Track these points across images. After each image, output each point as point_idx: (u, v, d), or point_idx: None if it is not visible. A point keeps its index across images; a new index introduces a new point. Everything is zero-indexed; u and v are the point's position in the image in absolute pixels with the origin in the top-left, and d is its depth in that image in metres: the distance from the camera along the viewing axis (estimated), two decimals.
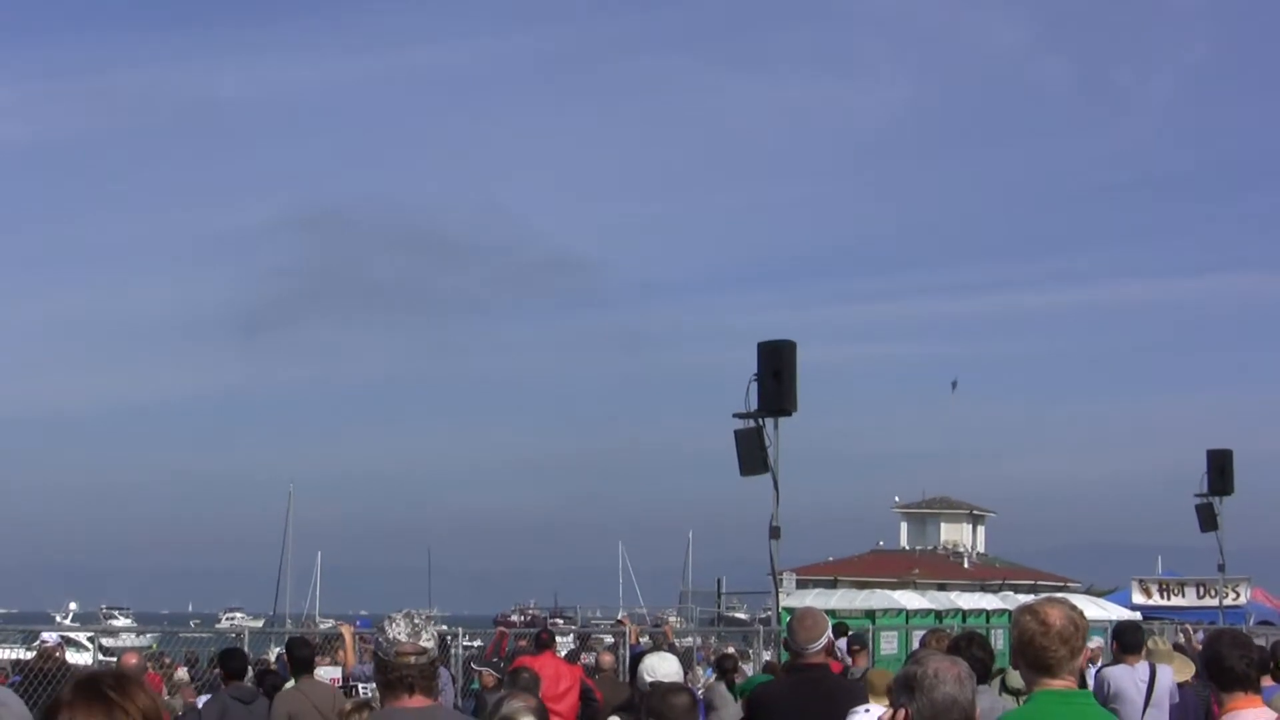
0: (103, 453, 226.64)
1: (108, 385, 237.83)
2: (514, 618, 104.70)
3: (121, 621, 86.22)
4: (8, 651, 24.39)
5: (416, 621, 6.07)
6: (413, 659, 6.03)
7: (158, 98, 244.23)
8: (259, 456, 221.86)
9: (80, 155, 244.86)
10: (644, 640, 23.26)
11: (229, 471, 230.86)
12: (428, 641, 6.05)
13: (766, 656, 24.39)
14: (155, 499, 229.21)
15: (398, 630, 6.05)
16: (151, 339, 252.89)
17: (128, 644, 41.44)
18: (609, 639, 32.01)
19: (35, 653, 18.05)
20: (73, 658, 23.47)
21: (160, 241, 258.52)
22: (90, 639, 33.03)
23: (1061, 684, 5.81)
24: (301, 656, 14.01)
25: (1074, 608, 5.88)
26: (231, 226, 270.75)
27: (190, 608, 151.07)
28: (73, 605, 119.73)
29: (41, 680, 15.84)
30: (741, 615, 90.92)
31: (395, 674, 6.03)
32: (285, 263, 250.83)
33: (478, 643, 29.12)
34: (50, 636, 20.87)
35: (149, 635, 44.29)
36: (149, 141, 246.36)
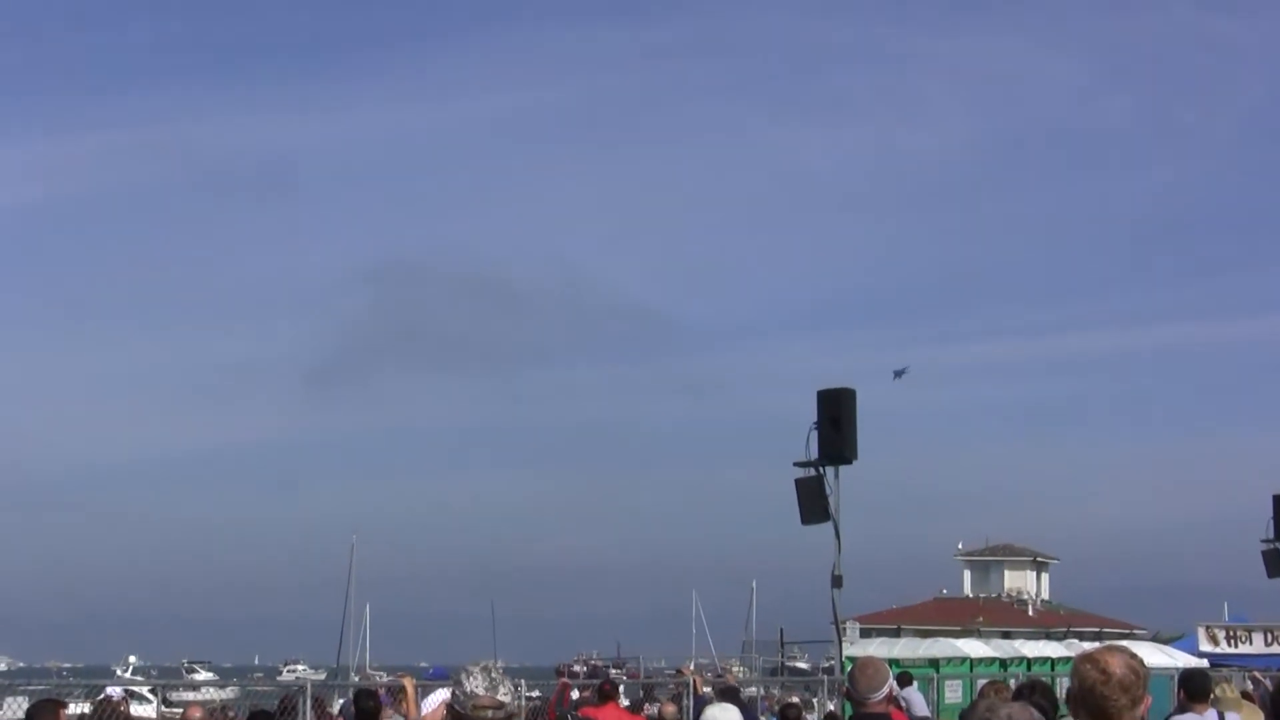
0: (167, 502, 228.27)
1: (174, 436, 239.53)
2: (576, 668, 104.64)
3: (203, 676, 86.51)
4: (73, 706, 24.59)
5: (494, 674, 5.97)
6: (490, 713, 5.93)
7: (229, 148, 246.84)
8: (324, 506, 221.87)
9: (154, 207, 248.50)
10: (707, 690, 23.31)
11: (295, 521, 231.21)
12: (505, 695, 5.91)
13: (830, 707, 24.36)
14: (219, 548, 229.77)
15: (475, 683, 5.93)
16: (219, 389, 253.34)
17: (192, 698, 41.71)
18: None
19: (93, 706, 18.21)
20: (136, 710, 23.70)
21: (230, 292, 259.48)
22: (152, 690, 33.26)
23: None
24: (367, 709, 14.12)
25: (1134, 655, 5.85)
26: (300, 277, 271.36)
27: (257, 660, 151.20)
28: (132, 659, 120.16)
29: None
30: (803, 665, 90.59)
31: None
32: (352, 313, 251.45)
33: (536, 693, 29.18)
34: (114, 690, 21.09)
35: (230, 690, 44.48)
36: (221, 192, 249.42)
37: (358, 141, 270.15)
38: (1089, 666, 5.78)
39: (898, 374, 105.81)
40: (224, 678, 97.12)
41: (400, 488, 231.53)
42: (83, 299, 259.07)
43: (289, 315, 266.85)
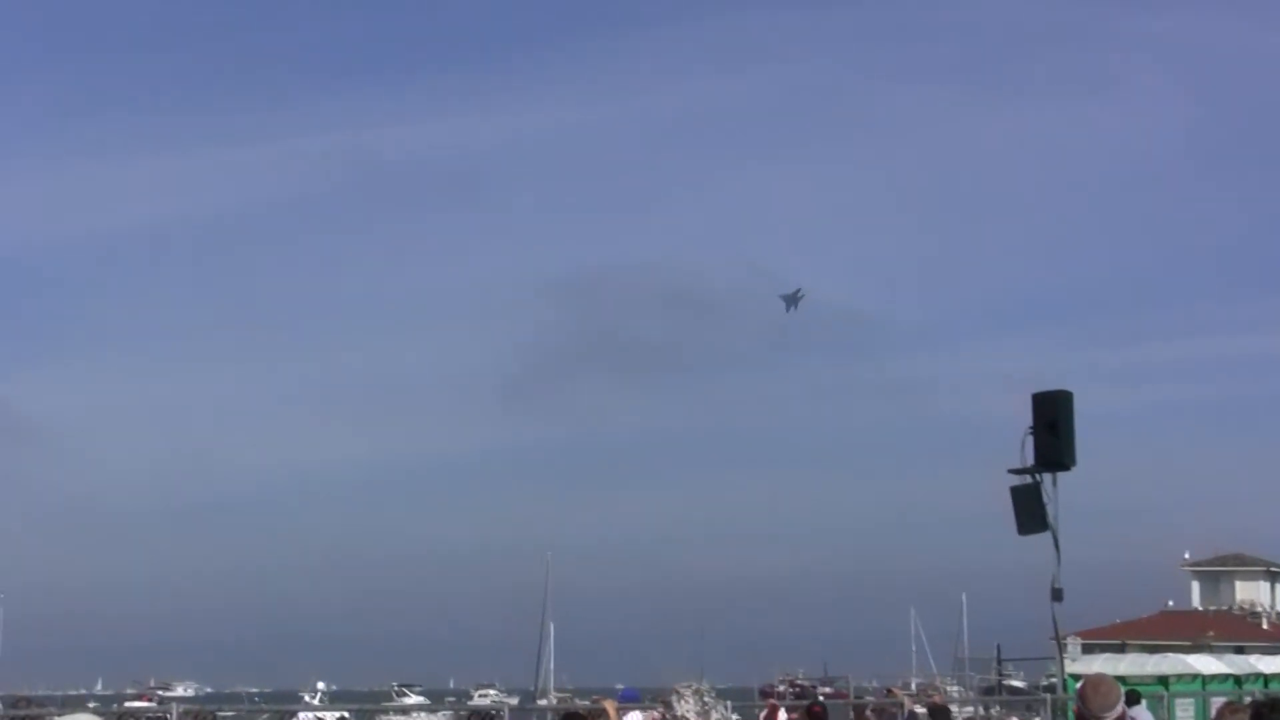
0: (354, 518, 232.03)
1: (362, 450, 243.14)
2: (780, 688, 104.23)
3: (413, 699, 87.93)
4: None
5: (706, 698, 6.03)
6: None
7: (410, 154, 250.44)
8: (515, 522, 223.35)
9: (335, 216, 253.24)
10: (919, 710, 23.12)
11: (485, 537, 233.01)
12: (718, 718, 5.96)
13: None
14: (404, 566, 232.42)
15: (686, 706, 6.02)
16: (407, 402, 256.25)
17: None
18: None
19: None
20: None
21: (418, 305, 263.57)
22: None
23: None
24: None
25: None
26: (487, 286, 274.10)
27: (452, 684, 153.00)
28: (320, 684, 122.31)
29: None
30: (1019, 683, 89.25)
31: None
32: (542, 322, 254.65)
33: (735, 717, 29.13)
34: (305, 717, 21.54)
35: (442, 714, 44.86)
36: (404, 200, 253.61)
37: (541, 144, 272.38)
38: None
39: (789, 303, 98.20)
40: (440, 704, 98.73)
41: (592, 501, 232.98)
42: (265, 311, 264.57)
43: (477, 325, 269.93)
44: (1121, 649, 64.89)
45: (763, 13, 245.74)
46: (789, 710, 22.98)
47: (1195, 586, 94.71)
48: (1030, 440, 24.56)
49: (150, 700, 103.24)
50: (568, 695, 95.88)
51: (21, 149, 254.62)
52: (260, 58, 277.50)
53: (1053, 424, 24.42)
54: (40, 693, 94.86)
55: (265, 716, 26.17)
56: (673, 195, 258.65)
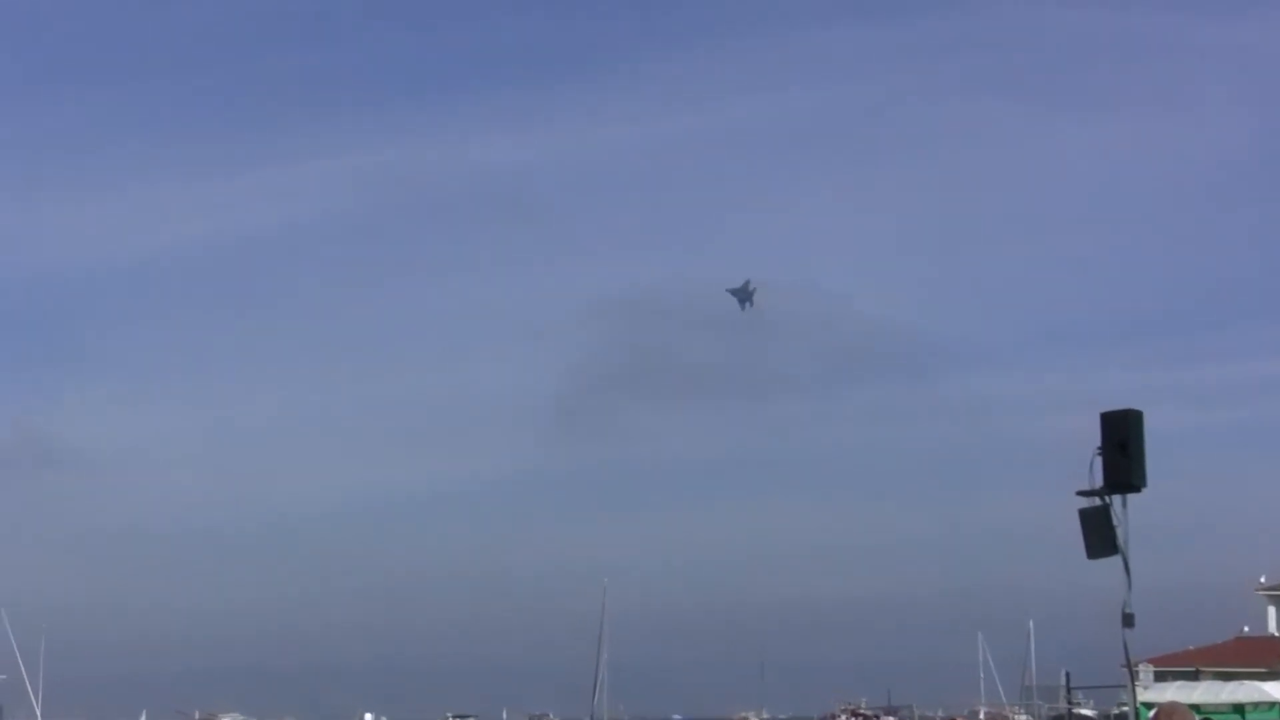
0: (400, 543, 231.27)
1: (410, 474, 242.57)
2: (842, 718, 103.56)
3: None
4: None
5: None
6: None
7: (464, 174, 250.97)
8: (568, 546, 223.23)
9: (384, 234, 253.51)
10: None
11: (537, 563, 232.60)
12: None
13: None
14: (454, 591, 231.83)
15: None
16: (457, 427, 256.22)
17: None
18: None
19: None
20: None
21: (469, 326, 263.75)
22: None
23: None
24: None
25: None
26: (538, 306, 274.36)
27: (505, 715, 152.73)
28: (368, 716, 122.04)
29: None
30: (1089, 711, 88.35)
31: None
32: (596, 346, 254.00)
33: None
34: None
35: None
36: (456, 220, 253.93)
37: (593, 162, 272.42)
38: None
39: (742, 299, 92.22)
40: None
41: (647, 525, 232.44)
42: (311, 333, 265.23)
43: (528, 346, 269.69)
44: (1195, 676, 64.02)
45: (813, 30, 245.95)
46: None
47: (1271, 611, 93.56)
48: (1099, 461, 24.11)
49: None
50: None
51: (59, 172, 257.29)
52: (306, 76, 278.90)
53: (1123, 444, 23.94)
54: None
55: None
56: (725, 215, 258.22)
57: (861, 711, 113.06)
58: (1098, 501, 24.17)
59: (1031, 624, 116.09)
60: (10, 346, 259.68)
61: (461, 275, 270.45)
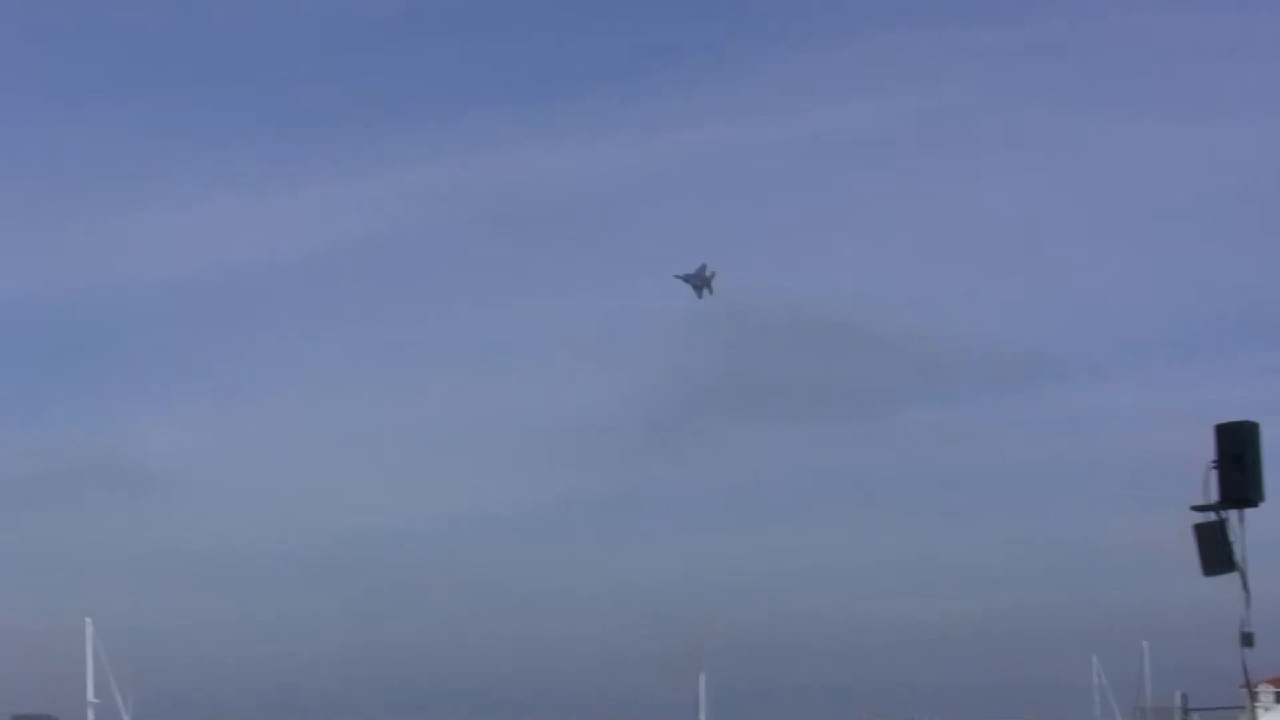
0: (486, 566, 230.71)
1: (493, 495, 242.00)
2: None
3: None
4: None
5: None
6: None
7: (551, 184, 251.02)
8: (659, 569, 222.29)
9: (468, 249, 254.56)
10: None
11: (628, 585, 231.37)
12: None
13: None
14: (543, 616, 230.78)
15: None
16: (542, 446, 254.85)
17: None
18: None
19: None
20: None
21: (556, 341, 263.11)
22: None
23: None
24: None
25: None
26: (630, 324, 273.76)
27: None
28: None
29: None
30: None
31: None
32: (686, 361, 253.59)
33: None
34: None
35: None
36: (541, 232, 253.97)
37: (680, 170, 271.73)
38: None
39: (698, 285, 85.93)
40: None
41: (737, 545, 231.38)
42: (395, 349, 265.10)
43: (616, 362, 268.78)
44: None
45: (913, 31, 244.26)
46: None
47: None
48: (1214, 475, 23.73)
49: None
50: None
51: (132, 186, 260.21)
52: (371, 89, 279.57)
53: (1239, 457, 23.58)
54: None
55: None
56: (820, 225, 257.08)
57: None
58: (1213, 517, 23.82)
59: (1146, 645, 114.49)
60: (87, 366, 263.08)
61: (548, 289, 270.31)
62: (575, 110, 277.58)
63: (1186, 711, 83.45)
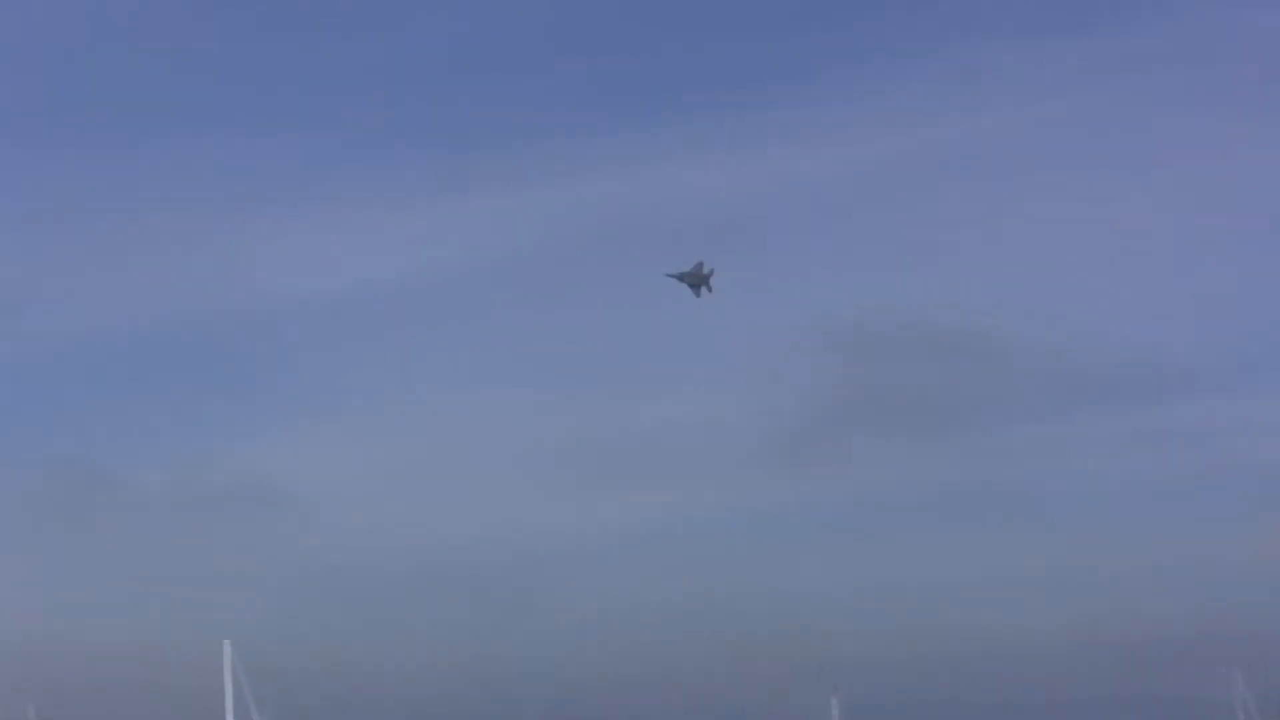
0: (616, 583, 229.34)
1: (624, 512, 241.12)
2: None
3: None
4: None
5: None
6: None
7: (677, 201, 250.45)
8: (791, 585, 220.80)
9: (596, 265, 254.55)
10: None
11: (758, 602, 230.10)
12: None
13: None
14: (673, 633, 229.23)
15: None
16: (674, 462, 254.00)
17: None
18: None
19: None
20: None
21: (685, 357, 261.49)
22: None
23: None
24: None
25: None
26: (760, 340, 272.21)
27: None
28: None
29: None
30: None
31: None
32: (817, 376, 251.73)
33: None
34: None
35: None
36: (669, 249, 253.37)
37: (809, 187, 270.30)
38: None
39: (694, 284, 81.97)
40: None
41: (871, 561, 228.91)
42: (525, 367, 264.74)
43: (747, 378, 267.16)
44: None
45: (1032, 39, 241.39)
46: None
47: None
48: None
49: None
50: None
51: (270, 206, 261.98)
52: (507, 107, 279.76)
53: None
54: None
55: None
56: (947, 238, 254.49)
57: None
58: None
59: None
60: (228, 385, 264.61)
61: (675, 306, 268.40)
62: (703, 129, 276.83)
63: None
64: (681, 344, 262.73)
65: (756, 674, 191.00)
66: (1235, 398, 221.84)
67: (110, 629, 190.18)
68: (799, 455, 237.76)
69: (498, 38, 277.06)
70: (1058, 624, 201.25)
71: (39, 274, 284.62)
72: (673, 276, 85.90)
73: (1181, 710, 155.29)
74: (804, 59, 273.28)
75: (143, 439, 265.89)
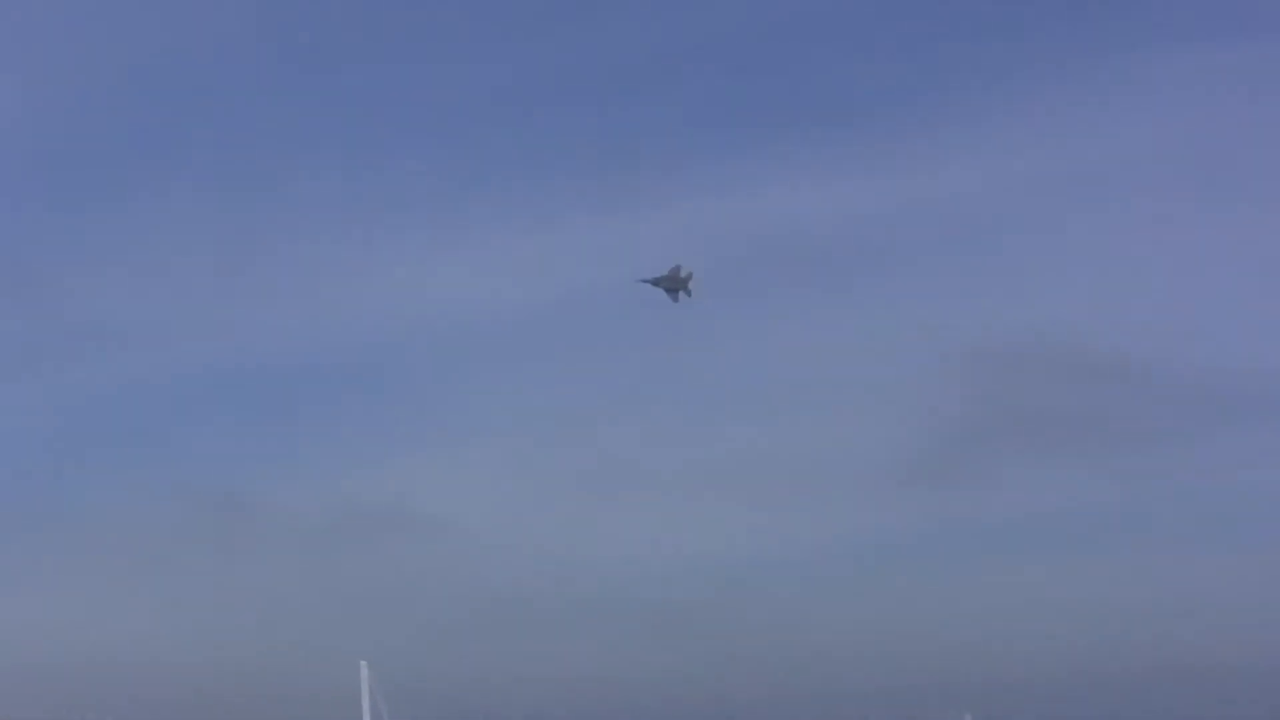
0: (747, 606, 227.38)
1: (755, 533, 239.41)
2: None
3: None
4: None
5: None
6: None
7: (805, 223, 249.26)
8: (925, 609, 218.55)
9: (726, 288, 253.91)
10: None
11: (890, 626, 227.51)
12: None
13: None
14: (801, 658, 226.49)
15: None
16: (804, 484, 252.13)
17: None
18: None
19: None
20: None
21: (815, 379, 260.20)
22: None
23: None
24: None
25: None
26: (892, 362, 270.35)
27: None
28: None
29: None
30: None
31: None
32: (950, 398, 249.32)
33: None
34: None
35: None
36: (799, 272, 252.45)
37: (936, 209, 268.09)
38: None
39: (670, 289, 78.68)
40: None
41: (1008, 587, 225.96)
42: (650, 387, 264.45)
43: (878, 401, 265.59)
44: None
45: (1148, 54, 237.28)
46: None
47: None
48: None
49: None
50: None
51: (398, 233, 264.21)
52: (619, 133, 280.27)
53: None
54: None
55: None
56: (1081, 259, 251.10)
57: None
58: None
59: None
60: (372, 412, 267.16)
61: (804, 328, 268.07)
62: (835, 153, 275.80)
63: None
64: (814, 363, 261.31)
65: (893, 692, 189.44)
66: None
67: (254, 650, 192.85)
68: (933, 479, 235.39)
69: (641, 59, 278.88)
70: (1211, 646, 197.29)
71: (185, 306, 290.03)
72: (647, 282, 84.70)
73: None
74: (950, 77, 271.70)
75: (288, 465, 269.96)
